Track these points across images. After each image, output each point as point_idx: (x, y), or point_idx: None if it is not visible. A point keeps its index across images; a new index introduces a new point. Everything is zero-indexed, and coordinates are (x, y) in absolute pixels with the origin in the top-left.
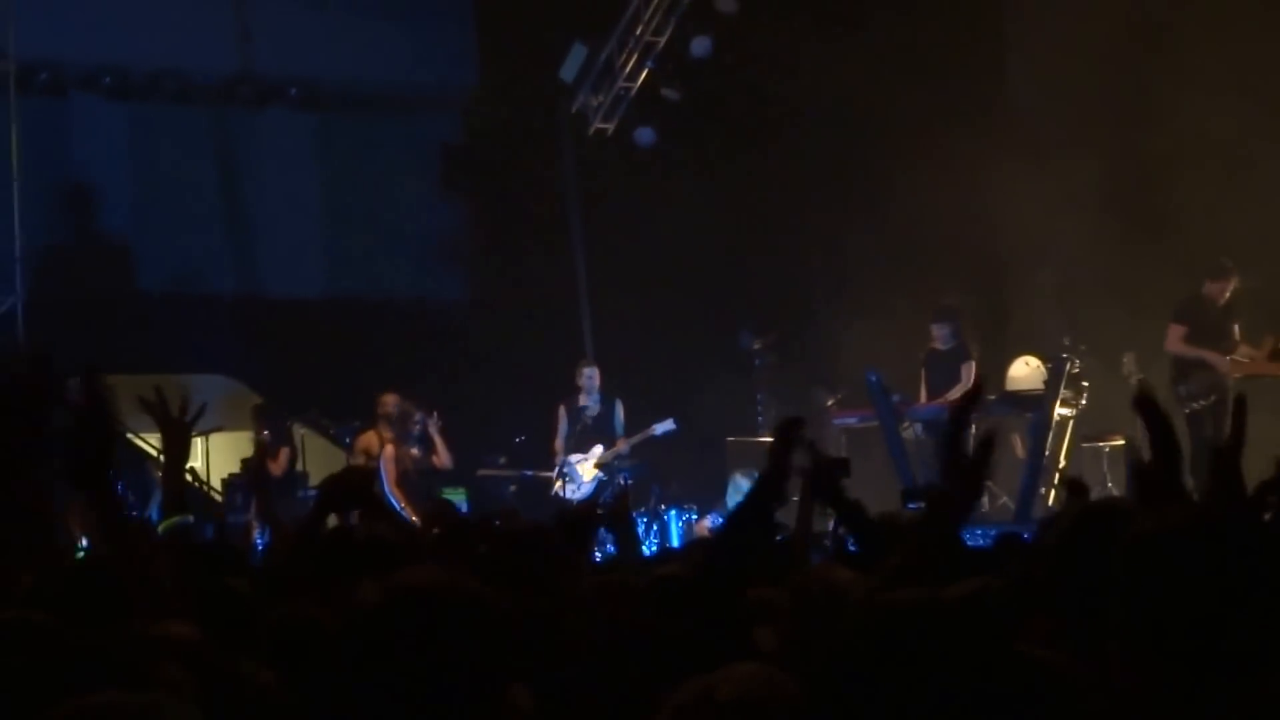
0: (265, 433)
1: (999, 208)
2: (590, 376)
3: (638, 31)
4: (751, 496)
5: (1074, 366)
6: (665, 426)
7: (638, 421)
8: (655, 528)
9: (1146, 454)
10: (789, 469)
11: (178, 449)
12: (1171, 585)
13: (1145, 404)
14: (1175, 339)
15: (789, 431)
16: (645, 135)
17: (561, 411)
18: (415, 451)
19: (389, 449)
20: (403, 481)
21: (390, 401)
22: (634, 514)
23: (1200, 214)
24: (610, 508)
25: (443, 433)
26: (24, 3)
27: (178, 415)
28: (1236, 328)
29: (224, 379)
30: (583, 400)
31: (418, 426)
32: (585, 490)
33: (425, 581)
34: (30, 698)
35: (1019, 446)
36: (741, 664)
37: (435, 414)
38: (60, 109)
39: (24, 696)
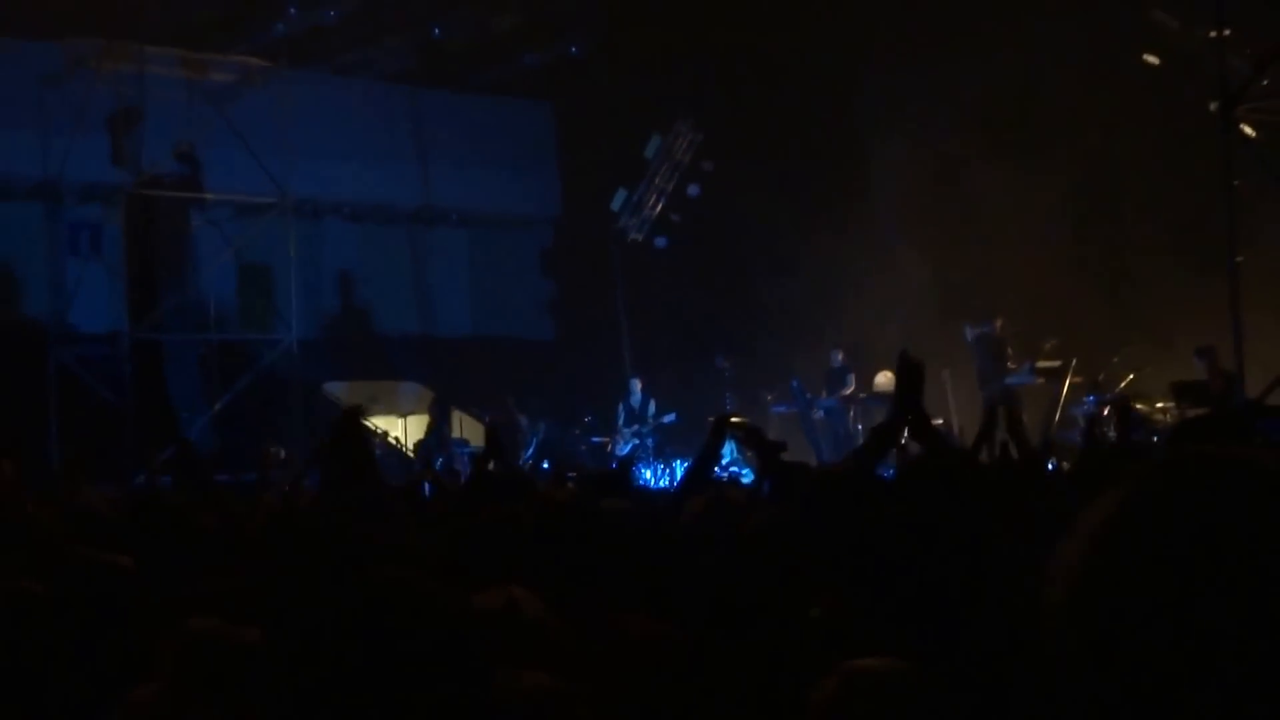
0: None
1: (865, 281)
2: (634, 384)
3: (656, 181)
4: (698, 460)
5: None
6: (670, 417)
7: (661, 410)
8: (666, 471)
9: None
10: (721, 445)
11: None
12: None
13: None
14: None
15: (722, 423)
16: (661, 242)
17: (620, 406)
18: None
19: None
20: None
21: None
22: (657, 462)
23: (992, 279)
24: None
25: None
26: (296, 160)
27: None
28: (1010, 350)
29: (415, 385)
30: (632, 399)
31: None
32: (626, 449)
33: (562, 498)
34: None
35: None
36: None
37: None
38: (318, 227)
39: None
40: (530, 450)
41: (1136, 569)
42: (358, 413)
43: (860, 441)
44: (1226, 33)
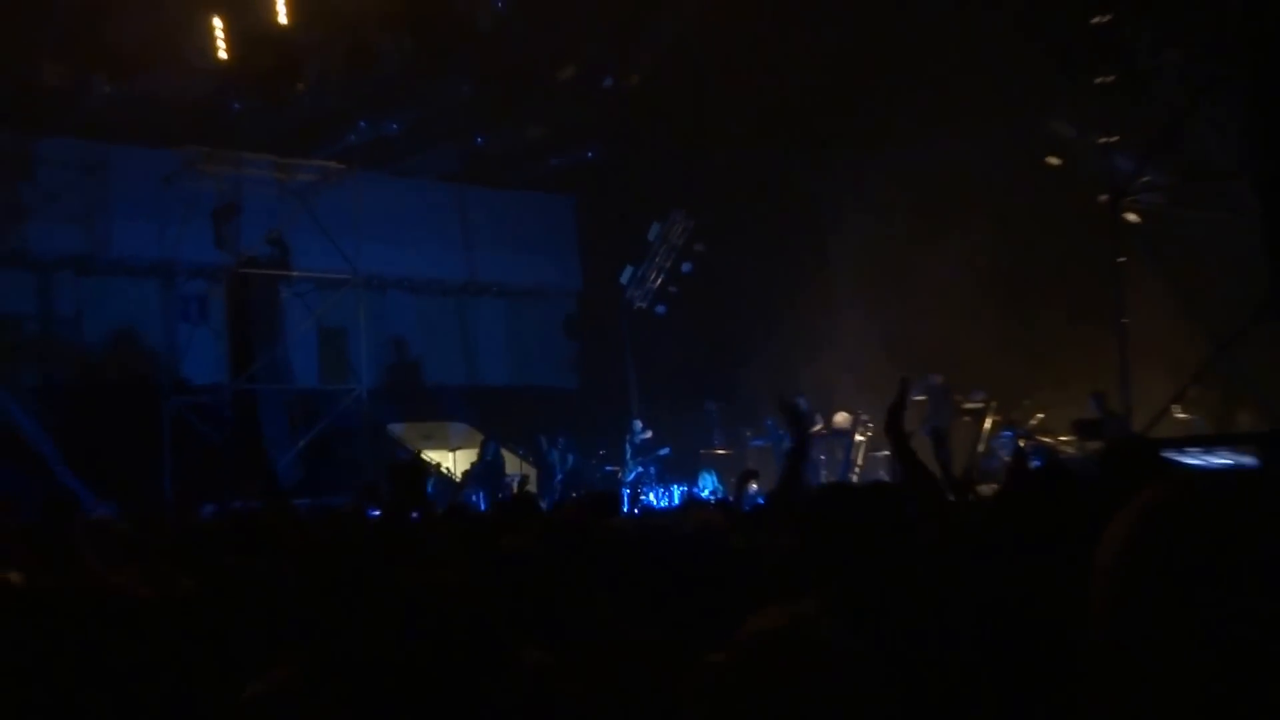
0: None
1: (824, 341)
2: (636, 425)
3: (656, 260)
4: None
5: (865, 417)
6: (664, 450)
7: (657, 444)
8: (665, 494)
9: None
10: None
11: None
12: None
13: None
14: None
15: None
16: (661, 309)
17: (625, 443)
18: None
19: None
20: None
21: None
22: (658, 487)
23: (928, 338)
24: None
25: None
26: (365, 244)
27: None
28: (956, 397)
29: (462, 425)
30: (635, 437)
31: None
32: (631, 476)
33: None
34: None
35: (838, 454)
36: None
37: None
38: (383, 298)
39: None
40: (560, 478)
41: (1159, 560)
42: (412, 468)
43: (822, 471)
44: (1114, 138)
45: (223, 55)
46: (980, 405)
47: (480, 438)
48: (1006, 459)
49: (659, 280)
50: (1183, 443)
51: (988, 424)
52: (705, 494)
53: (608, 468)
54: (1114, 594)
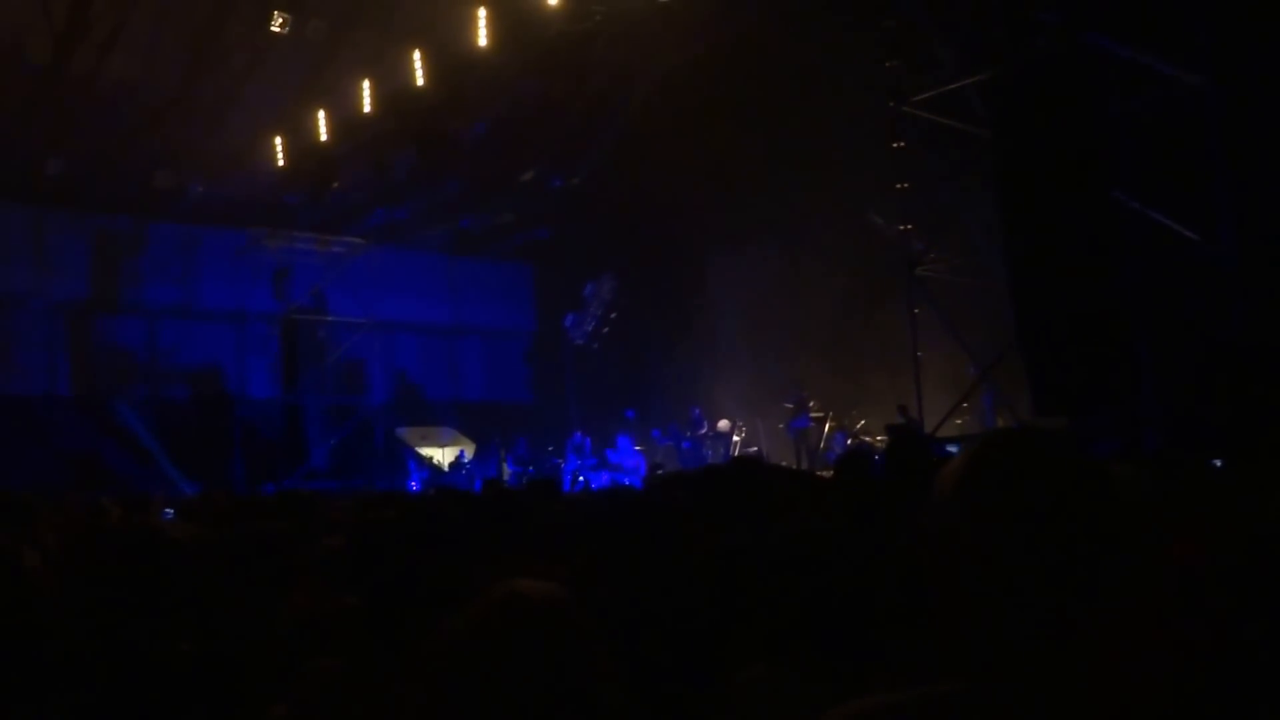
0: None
1: (711, 368)
2: (576, 434)
3: (590, 309)
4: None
5: (741, 422)
6: (592, 461)
7: (593, 448)
8: (595, 477)
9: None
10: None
11: None
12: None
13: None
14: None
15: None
16: (594, 345)
17: (568, 444)
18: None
19: None
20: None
21: None
22: (593, 475)
23: (785, 362)
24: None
25: None
26: (380, 297)
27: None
28: (810, 406)
29: (450, 429)
30: (574, 439)
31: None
32: (571, 467)
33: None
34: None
35: (719, 449)
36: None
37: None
38: (392, 337)
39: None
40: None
41: (981, 484)
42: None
43: (708, 462)
44: (910, 226)
45: (281, 163)
46: (821, 415)
47: (459, 436)
48: (840, 452)
49: (592, 324)
50: (958, 439)
51: (827, 428)
52: (625, 479)
53: (555, 460)
54: (953, 507)
